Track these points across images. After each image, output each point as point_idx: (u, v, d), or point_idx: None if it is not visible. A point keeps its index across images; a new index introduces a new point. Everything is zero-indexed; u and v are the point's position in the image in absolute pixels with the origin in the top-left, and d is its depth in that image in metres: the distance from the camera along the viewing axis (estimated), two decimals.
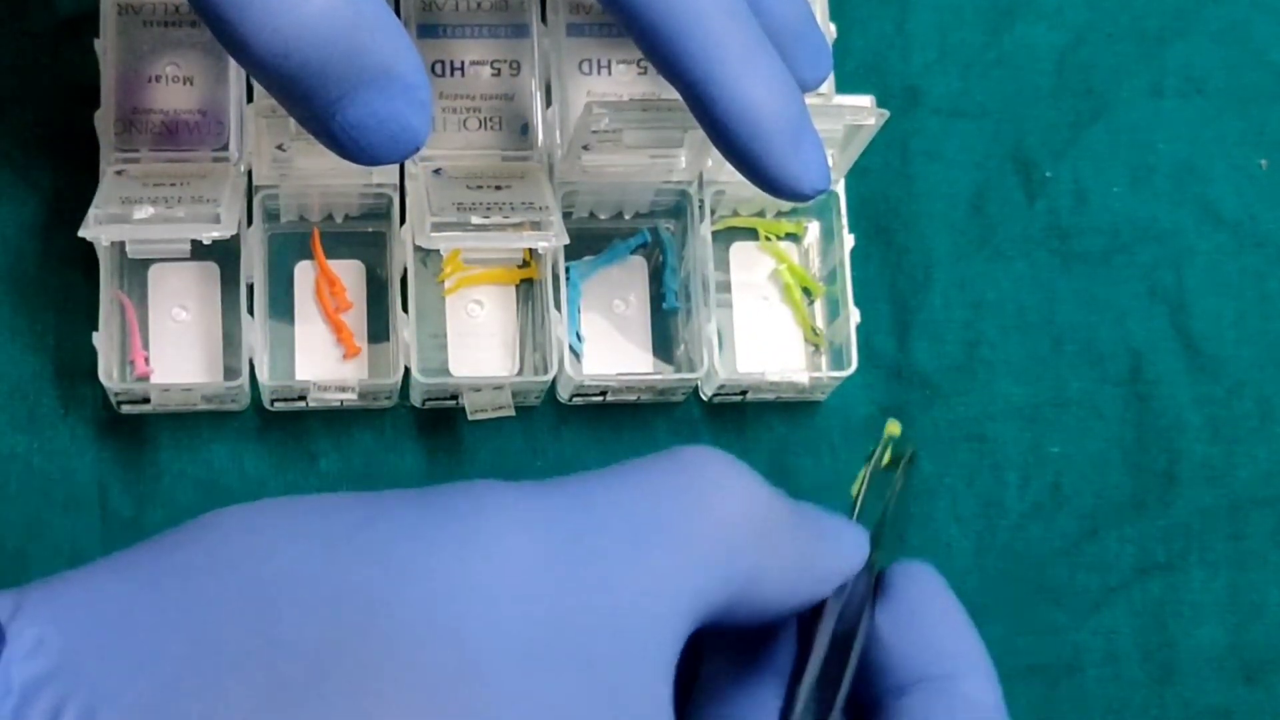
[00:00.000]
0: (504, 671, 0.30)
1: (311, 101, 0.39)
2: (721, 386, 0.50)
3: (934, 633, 0.36)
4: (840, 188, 0.51)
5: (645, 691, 0.31)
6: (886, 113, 0.47)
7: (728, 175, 0.44)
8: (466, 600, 0.30)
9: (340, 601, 0.30)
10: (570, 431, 0.51)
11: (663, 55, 0.43)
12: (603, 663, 0.31)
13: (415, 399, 0.50)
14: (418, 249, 0.49)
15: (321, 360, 0.49)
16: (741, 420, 0.52)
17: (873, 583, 0.37)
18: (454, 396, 0.49)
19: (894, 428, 0.43)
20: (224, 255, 0.49)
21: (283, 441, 0.50)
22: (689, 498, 0.33)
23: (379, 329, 0.50)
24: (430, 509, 0.31)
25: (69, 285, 0.50)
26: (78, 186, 0.49)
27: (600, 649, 0.31)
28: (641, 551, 0.32)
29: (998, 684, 0.36)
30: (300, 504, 0.32)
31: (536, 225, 0.46)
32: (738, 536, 0.34)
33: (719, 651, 0.38)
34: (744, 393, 0.51)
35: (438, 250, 0.49)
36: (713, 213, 0.51)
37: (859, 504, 0.40)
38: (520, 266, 0.51)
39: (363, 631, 0.30)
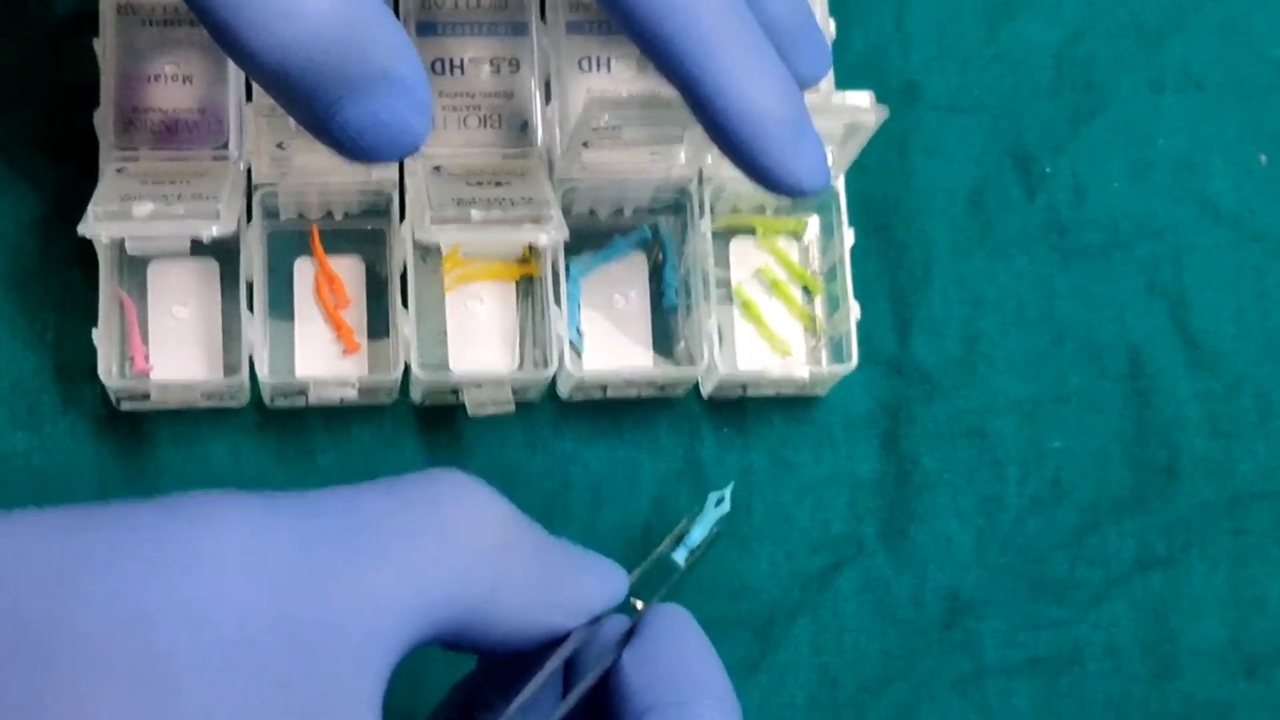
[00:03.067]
0: (194, 676, 0.30)
1: (311, 102, 0.39)
2: (722, 382, 0.50)
3: (670, 664, 0.37)
4: (840, 184, 0.51)
5: (343, 703, 0.31)
6: (886, 109, 0.47)
7: (727, 171, 0.44)
8: (163, 603, 0.30)
9: (36, 594, 0.30)
10: (570, 427, 0.51)
11: (661, 55, 0.42)
12: (302, 673, 0.31)
13: (415, 395, 0.50)
14: (418, 245, 0.49)
15: (321, 357, 0.49)
16: (741, 416, 0.52)
17: (633, 624, 0.39)
18: (454, 393, 0.49)
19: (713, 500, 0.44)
20: (223, 253, 0.49)
21: (281, 438, 0.50)
22: (427, 517, 0.34)
23: (378, 326, 0.50)
24: (160, 516, 0.32)
25: (68, 283, 0.50)
26: (77, 184, 0.49)
27: (302, 660, 0.31)
28: (363, 566, 0.32)
29: (735, 712, 0.37)
30: (36, 512, 0.32)
31: (536, 220, 0.46)
32: (473, 559, 0.34)
33: (492, 682, 0.39)
34: (744, 388, 0.51)
35: (438, 246, 0.49)
36: (712, 209, 0.51)
37: (662, 548, 0.42)
38: (520, 263, 0.51)
39: (53, 624, 0.30)
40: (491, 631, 0.35)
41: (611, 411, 0.51)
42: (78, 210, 0.46)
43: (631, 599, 0.40)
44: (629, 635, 0.38)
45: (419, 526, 0.34)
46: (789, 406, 0.52)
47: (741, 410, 0.52)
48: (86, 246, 0.47)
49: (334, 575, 0.32)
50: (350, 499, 0.34)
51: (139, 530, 0.31)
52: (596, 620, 0.38)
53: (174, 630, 0.30)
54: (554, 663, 0.37)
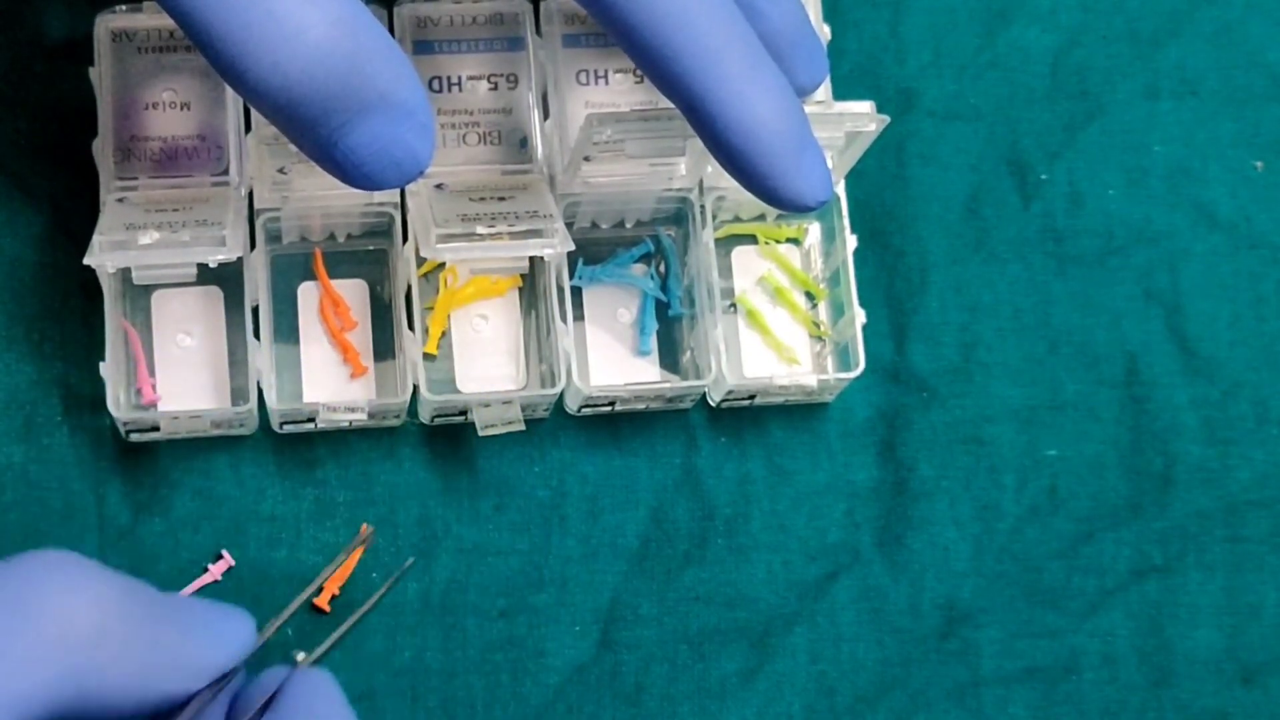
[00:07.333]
0: None
1: (314, 131, 0.39)
2: (730, 392, 0.51)
3: None
4: (841, 189, 0.51)
5: None
6: (887, 119, 0.47)
7: (728, 180, 0.44)
8: None
9: None
10: (568, 437, 0.51)
11: (662, 74, 0.42)
12: None
13: (424, 416, 0.50)
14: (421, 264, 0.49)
15: (328, 381, 0.49)
16: (739, 425, 0.52)
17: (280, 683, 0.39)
18: (463, 412, 0.49)
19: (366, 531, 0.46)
20: (226, 279, 0.49)
21: (283, 452, 0.50)
22: (14, 607, 0.34)
23: (384, 347, 0.50)
24: None
25: (65, 295, 0.50)
26: (76, 201, 0.49)
27: None
28: None
29: None
30: None
31: (541, 233, 0.46)
32: (67, 648, 0.34)
33: None
34: (752, 397, 0.51)
35: (440, 266, 0.49)
36: (714, 218, 0.51)
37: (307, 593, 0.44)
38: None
39: None
40: (108, 707, 0.35)
41: (610, 421, 0.52)
42: (74, 221, 0.46)
43: (294, 653, 0.41)
44: (269, 703, 0.38)
45: (8, 619, 0.34)
46: (787, 415, 0.52)
47: (739, 419, 0.52)
48: (84, 265, 0.47)
49: None
50: None
51: None
52: (224, 678, 0.38)
53: None
54: None
